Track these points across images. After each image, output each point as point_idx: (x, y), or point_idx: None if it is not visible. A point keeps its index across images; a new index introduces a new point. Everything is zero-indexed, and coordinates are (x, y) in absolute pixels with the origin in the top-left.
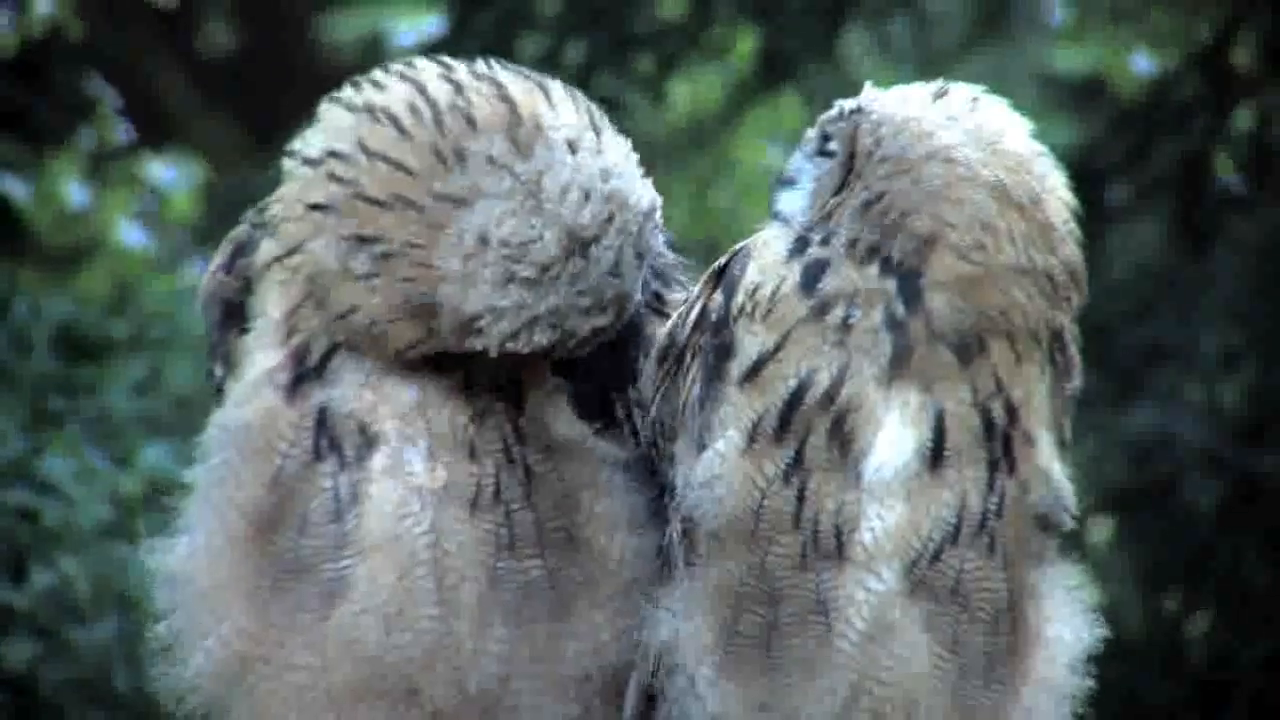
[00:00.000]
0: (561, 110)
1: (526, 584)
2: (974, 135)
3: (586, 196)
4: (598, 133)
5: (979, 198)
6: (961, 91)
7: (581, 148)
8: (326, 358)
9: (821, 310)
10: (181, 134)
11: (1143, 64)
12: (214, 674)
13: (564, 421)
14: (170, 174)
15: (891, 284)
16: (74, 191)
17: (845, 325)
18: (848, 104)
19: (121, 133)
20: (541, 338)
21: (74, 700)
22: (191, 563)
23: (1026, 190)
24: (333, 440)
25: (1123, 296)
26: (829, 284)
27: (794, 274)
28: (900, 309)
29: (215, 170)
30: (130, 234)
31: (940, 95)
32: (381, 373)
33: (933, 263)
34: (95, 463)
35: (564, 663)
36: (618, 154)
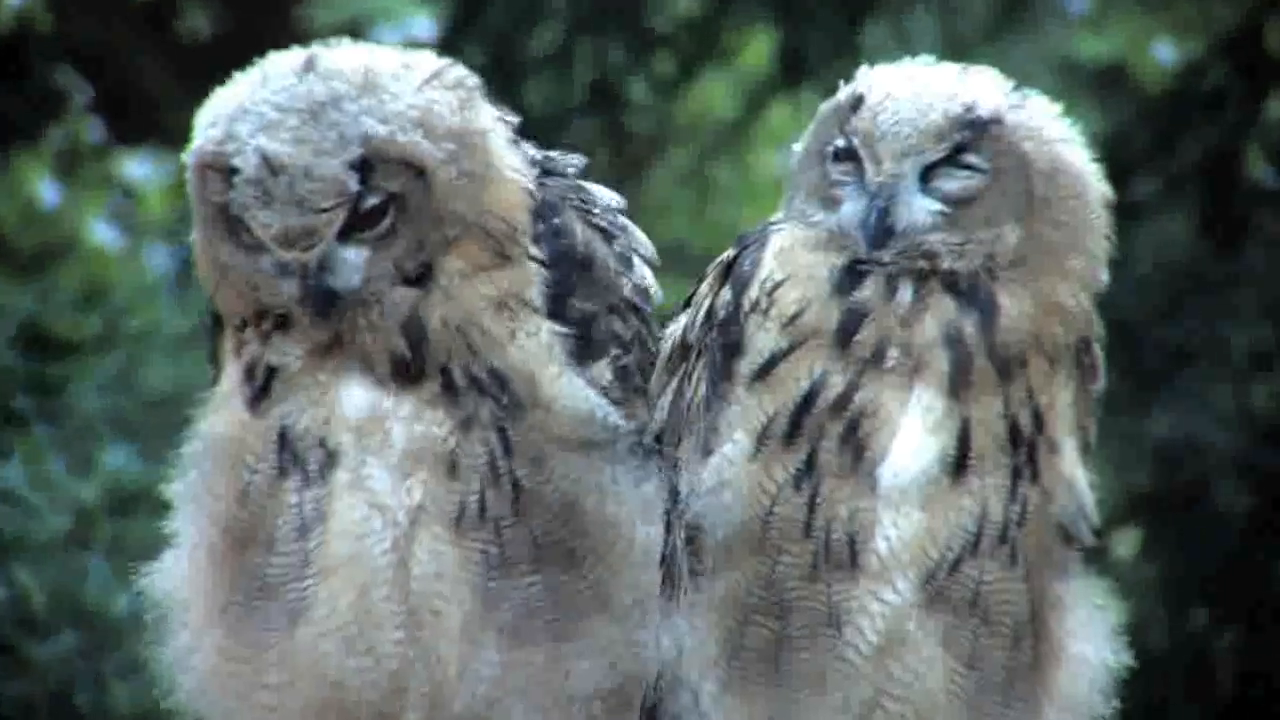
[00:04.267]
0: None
1: (525, 602)
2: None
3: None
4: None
5: (1103, 228)
6: (1043, 99)
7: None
8: (269, 377)
9: (849, 348)
10: (158, 124)
11: (1166, 53)
12: (201, 690)
13: (571, 397)
14: (143, 169)
15: (971, 311)
16: (45, 190)
17: (874, 358)
18: (978, 110)
19: (94, 132)
20: None
21: (35, 717)
22: (178, 578)
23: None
24: (296, 457)
25: (1148, 295)
26: (866, 333)
27: (832, 316)
28: (970, 330)
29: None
30: (102, 233)
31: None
32: (330, 385)
33: (1060, 293)
34: (58, 469)
35: (569, 681)
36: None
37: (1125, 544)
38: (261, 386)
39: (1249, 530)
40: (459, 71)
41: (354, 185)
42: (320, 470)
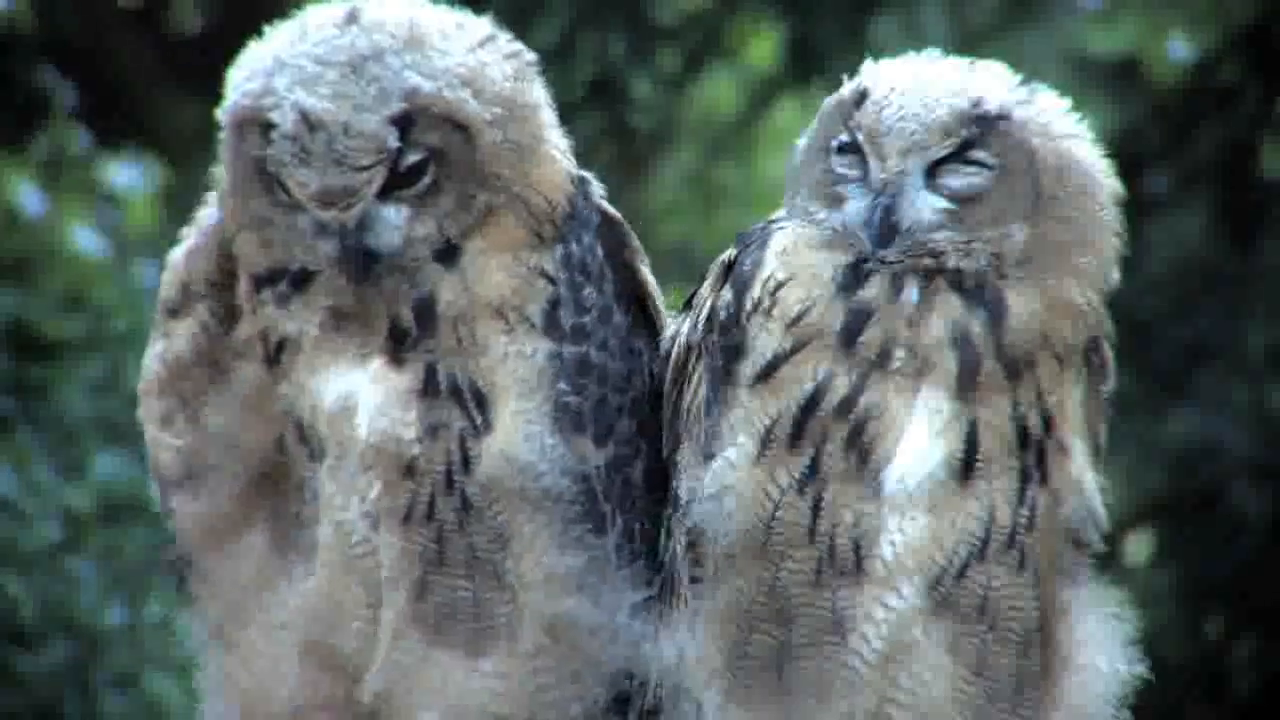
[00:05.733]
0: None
1: (452, 600)
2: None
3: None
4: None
5: (1113, 225)
6: (1051, 94)
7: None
8: (279, 349)
9: (854, 349)
10: (143, 126)
11: (1179, 49)
12: (223, 601)
13: (516, 438)
14: (129, 174)
15: (978, 310)
16: (27, 196)
17: (879, 359)
18: (985, 106)
19: (80, 140)
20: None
21: None
22: (200, 502)
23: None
24: (304, 439)
25: (1161, 293)
26: (871, 334)
27: (836, 316)
28: (978, 330)
29: (180, 158)
30: (86, 240)
31: (1059, 104)
32: (321, 372)
33: (1070, 291)
34: (46, 474)
35: (470, 696)
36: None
37: (1139, 549)
38: (273, 355)
39: (1266, 534)
40: (516, 44)
41: (394, 142)
42: (319, 455)
